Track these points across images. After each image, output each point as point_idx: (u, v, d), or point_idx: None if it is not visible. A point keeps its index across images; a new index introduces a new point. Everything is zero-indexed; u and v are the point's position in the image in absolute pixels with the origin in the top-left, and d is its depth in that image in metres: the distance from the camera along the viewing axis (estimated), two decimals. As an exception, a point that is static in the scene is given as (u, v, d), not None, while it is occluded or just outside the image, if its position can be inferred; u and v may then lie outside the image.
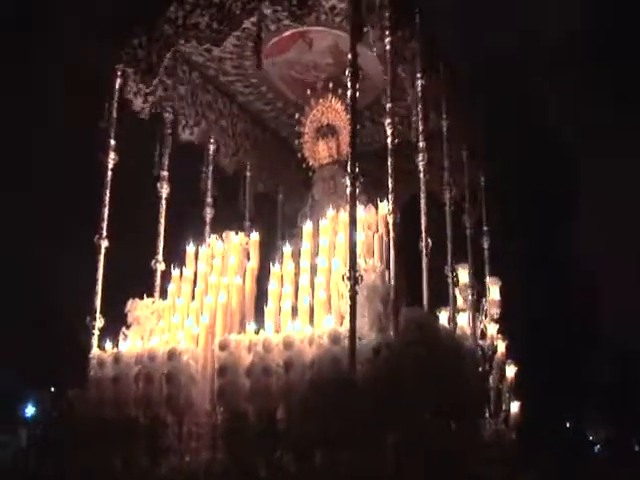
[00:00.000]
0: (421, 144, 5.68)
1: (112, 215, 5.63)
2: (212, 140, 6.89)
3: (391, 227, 4.98)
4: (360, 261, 4.82)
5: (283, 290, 5.07)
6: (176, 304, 5.49)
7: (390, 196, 5.04)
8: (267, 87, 6.91)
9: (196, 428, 4.83)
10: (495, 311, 6.84)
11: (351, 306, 4.37)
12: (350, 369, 4.25)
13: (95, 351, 5.26)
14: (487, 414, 6.50)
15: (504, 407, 6.69)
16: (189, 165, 6.96)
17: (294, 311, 4.92)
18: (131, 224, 6.89)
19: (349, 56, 4.87)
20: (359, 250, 5.05)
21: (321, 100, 6.62)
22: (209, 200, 6.79)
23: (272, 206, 7.74)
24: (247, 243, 5.66)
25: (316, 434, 4.03)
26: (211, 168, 6.86)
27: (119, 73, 5.77)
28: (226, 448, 4.46)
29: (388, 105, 5.18)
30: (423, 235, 5.48)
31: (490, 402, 6.56)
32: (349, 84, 4.82)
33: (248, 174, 7.39)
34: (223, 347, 4.63)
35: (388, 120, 5.14)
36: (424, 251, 5.44)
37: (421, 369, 4.70)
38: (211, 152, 6.89)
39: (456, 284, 6.52)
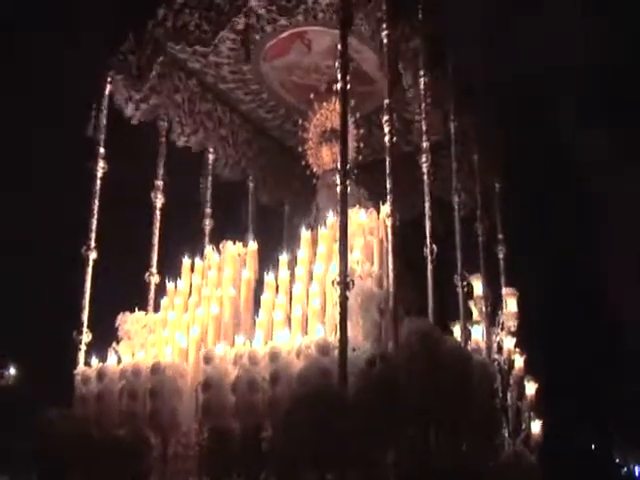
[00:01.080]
0: (424, 144, 5.35)
1: (113, 226, 5.43)
2: (211, 149, 6.63)
3: (390, 230, 4.63)
4: (355, 266, 4.49)
5: (277, 300, 4.76)
6: (168, 317, 5.21)
7: (389, 197, 4.68)
8: (268, 94, 6.60)
9: (182, 447, 4.52)
10: (512, 323, 6.41)
11: (341, 313, 3.99)
12: (340, 382, 3.88)
13: (80, 367, 4.98)
14: (505, 434, 6.08)
15: (524, 426, 6.24)
16: (191, 174, 6.70)
17: (289, 322, 4.63)
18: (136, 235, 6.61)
19: (339, 46, 4.53)
20: (358, 256, 4.75)
21: (325, 104, 6.30)
22: (208, 211, 6.51)
23: (279, 218, 7.42)
24: (245, 254, 5.37)
25: (300, 453, 3.65)
26: (210, 178, 6.59)
27: (109, 79, 5.55)
28: (209, 469, 4.13)
29: (386, 101, 4.86)
30: (428, 241, 5.15)
31: (508, 421, 6.13)
32: (339, 76, 4.49)
33: (251, 184, 7.11)
34: (208, 360, 4.29)
35: (386, 117, 4.81)
36: (429, 257, 5.10)
37: (422, 383, 4.35)
38: (210, 161, 6.63)
39: (470, 295, 6.17)
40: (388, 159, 4.75)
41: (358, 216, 5.04)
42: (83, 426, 4.67)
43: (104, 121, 5.49)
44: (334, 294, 4.35)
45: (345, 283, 4.02)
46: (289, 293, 4.75)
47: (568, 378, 7.53)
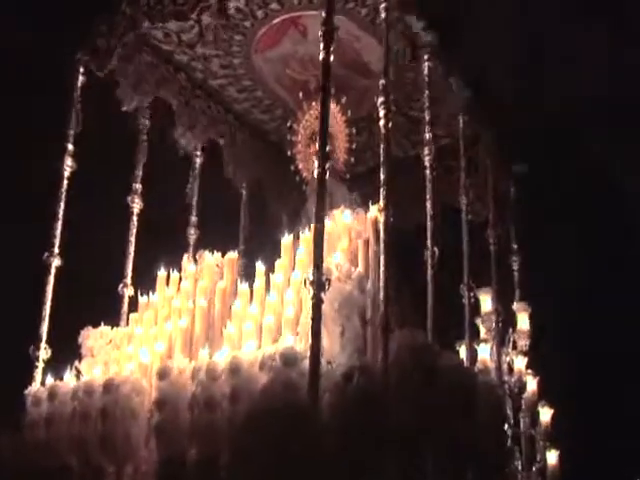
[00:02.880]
0: (427, 136, 4.75)
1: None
2: (199, 153, 6.02)
3: (381, 227, 3.98)
4: (333, 267, 3.84)
5: (250, 310, 4.13)
6: (134, 332, 4.59)
7: (382, 190, 4.04)
8: (263, 91, 5.95)
9: (141, 476, 3.85)
10: (524, 342, 5.67)
11: (314, 318, 3.32)
12: (310, 399, 3.20)
13: (31, 387, 4.35)
14: (518, 464, 5.33)
15: (539, 457, 5.48)
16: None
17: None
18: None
19: (323, 13, 3.96)
20: (338, 259, 4.10)
21: (314, 103, 5.67)
22: (193, 219, 5.88)
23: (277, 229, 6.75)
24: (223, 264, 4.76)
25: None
26: (197, 183, 5.99)
27: (81, 70, 5.00)
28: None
29: (381, 82, 4.24)
30: (429, 242, 4.50)
31: (521, 450, 5.37)
32: (322, 45, 3.89)
33: (244, 193, 6.47)
34: (163, 375, 3.64)
35: (382, 99, 4.19)
36: (429, 261, 4.44)
37: (415, 405, 3.67)
38: (197, 165, 6.01)
39: (477, 311, 5.51)
40: (383, 146, 4.14)
41: (343, 217, 4.42)
42: (29, 453, 4.04)
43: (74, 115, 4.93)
44: (308, 299, 3.72)
45: (319, 282, 3.36)
46: (264, 302, 4.13)
47: (591, 402, 6.71)
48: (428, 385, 3.73)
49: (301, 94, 5.60)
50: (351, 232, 4.33)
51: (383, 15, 4.37)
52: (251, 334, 3.84)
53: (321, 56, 3.88)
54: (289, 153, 5.75)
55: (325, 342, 3.59)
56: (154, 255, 5.18)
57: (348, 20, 5.11)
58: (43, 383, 4.37)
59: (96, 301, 5.42)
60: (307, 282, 3.37)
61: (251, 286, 4.30)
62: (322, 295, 3.33)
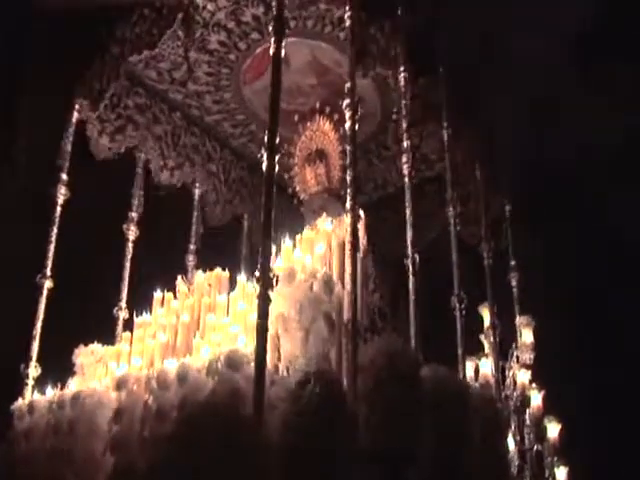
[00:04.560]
0: (405, 144, 4.21)
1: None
2: (197, 185, 5.62)
3: (349, 229, 3.45)
4: (297, 267, 3.33)
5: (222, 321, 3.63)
6: (121, 349, 4.14)
7: (350, 190, 3.52)
8: (257, 125, 5.50)
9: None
10: (528, 356, 4.97)
11: (260, 317, 2.77)
12: (255, 407, 2.65)
13: (17, 402, 3.93)
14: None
15: (547, 473, 4.73)
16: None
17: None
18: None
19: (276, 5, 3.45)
20: (310, 263, 3.58)
21: (309, 124, 5.24)
22: (192, 247, 5.46)
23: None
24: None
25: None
26: (196, 213, 5.58)
27: (77, 107, 4.69)
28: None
29: (347, 85, 3.73)
30: (409, 250, 3.93)
31: (528, 467, 4.64)
32: (272, 39, 3.42)
33: (246, 224, 5.98)
34: (120, 385, 3.16)
35: (347, 101, 3.68)
36: (410, 269, 3.88)
37: (388, 416, 3.06)
38: (196, 197, 5.61)
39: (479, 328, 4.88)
40: (349, 148, 3.64)
41: (324, 225, 3.91)
42: (14, 466, 3.60)
43: (69, 148, 4.61)
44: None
45: (266, 279, 2.83)
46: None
47: (604, 414, 5.87)
48: (405, 395, 3.16)
49: (296, 117, 5.18)
50: (331, 239, 3.83)
51: (348, 23, 3.91)
52: (215, 344, 3.34)
53: (271, 51, 3.39)
54: (285, 177, 5.27)
55: (287, 346, 3.08)
56: (156, 279, 4.79)
57: (328, 45, 4.80)
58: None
59: (102, 322, 5.03)
60: (255, 279, 2.85)
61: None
62: (269, 293, 2.79)
